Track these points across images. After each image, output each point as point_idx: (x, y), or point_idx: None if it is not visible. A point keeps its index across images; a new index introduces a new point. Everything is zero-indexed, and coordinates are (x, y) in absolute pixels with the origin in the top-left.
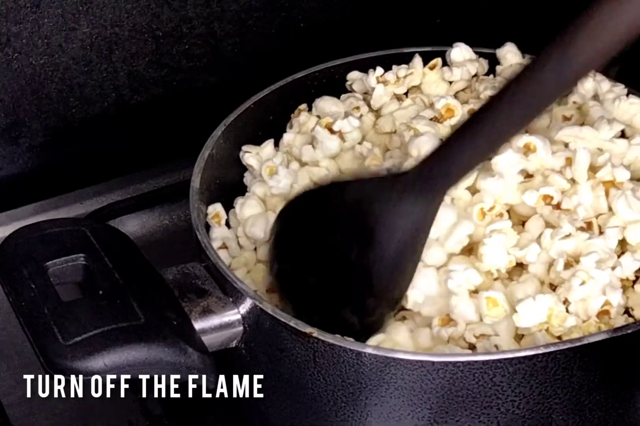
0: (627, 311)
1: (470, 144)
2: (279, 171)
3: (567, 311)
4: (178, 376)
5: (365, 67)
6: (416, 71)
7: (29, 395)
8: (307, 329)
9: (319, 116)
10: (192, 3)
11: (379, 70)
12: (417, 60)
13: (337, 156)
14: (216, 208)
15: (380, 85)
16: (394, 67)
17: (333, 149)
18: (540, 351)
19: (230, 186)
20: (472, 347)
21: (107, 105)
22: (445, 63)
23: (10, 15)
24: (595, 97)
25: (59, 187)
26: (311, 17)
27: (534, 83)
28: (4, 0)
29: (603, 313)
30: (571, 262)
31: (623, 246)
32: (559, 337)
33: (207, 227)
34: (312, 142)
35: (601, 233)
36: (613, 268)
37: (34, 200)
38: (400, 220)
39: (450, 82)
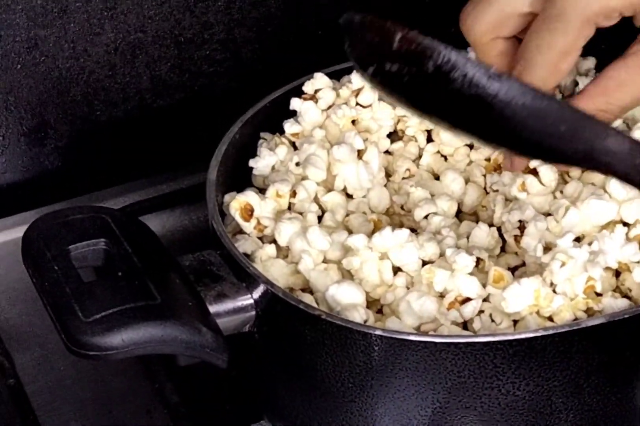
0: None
1: None
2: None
3: (555, 292)
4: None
5: None
6: None
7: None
8: (316, 311)
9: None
10: (214, 10)
11: None
12: None
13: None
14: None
15: None
16: None
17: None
18: (539, 334)
19: (244, 181)
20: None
21: (130, 108)
22: None
23: (38, 19)
24: None
25: (82, 188)
26: (328, 24)
27: None
28: (33, 6)
29: (589, 288)
30: (550, 245)
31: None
32: (550, 318)
33: (222, 216)
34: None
35: None
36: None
37: (57, 200)
38: None
39: None
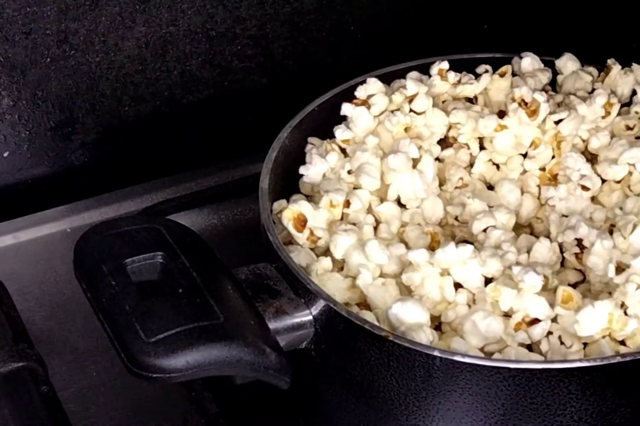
0: None
1: None
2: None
3: (626, 314)
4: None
5: (425, 71)
6: (478, 86)
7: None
8: (383, 332)
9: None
10: (246, 4)
11: (445, 64)
12: (486, 76)
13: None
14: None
15: (437, 77)
16: (463, 72)
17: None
18: (616, 361)
19: (291, 186)
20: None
21: (159, 104)
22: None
23: (69, 12)
24: None
25: (109, 184)
26: (361, 20)
27: None
28: None
29: None
30: (622, 265)
31: None
32: (622, 342)
33: None
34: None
35: None
36: None
37: (84, 196)
38: None
39: None
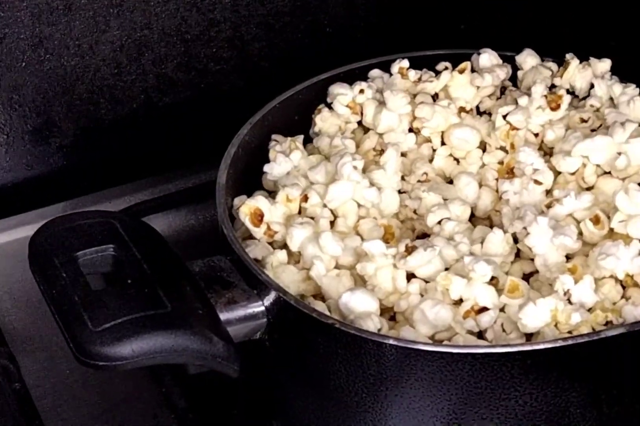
0: None
1: None
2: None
3: (570, 301)
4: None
5: (388, 69)
6: (438, 83)
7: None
8: (329, 320)
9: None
10: (220, 7)
11: (406, 62)
12: (445, 73)
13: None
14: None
15: (398, 75)
16: (424, 70)
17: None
18: (557, 345)
19: (254, 182)
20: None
21: (136, 106)
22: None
23: (43, 17)
24: (612, 99)
25: (87, 187)
26: (337, 22)
27: None
28: (38, 2)
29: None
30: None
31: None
32: (569, 333)
33: (232, 220)
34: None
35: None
36: None
37: (63, 199)
38: None
39: (477, 87)
